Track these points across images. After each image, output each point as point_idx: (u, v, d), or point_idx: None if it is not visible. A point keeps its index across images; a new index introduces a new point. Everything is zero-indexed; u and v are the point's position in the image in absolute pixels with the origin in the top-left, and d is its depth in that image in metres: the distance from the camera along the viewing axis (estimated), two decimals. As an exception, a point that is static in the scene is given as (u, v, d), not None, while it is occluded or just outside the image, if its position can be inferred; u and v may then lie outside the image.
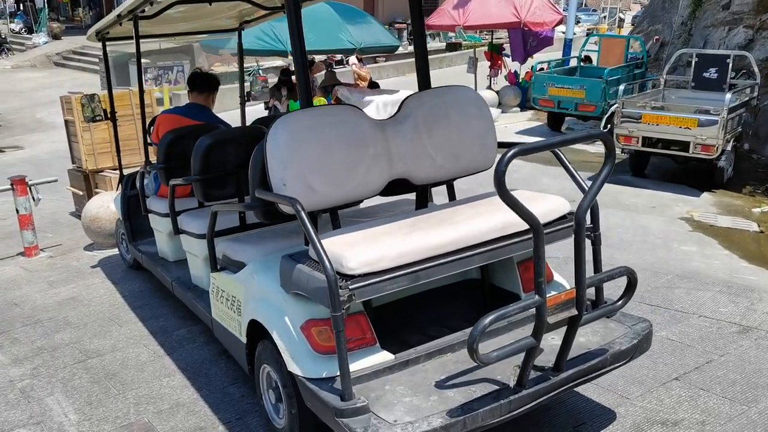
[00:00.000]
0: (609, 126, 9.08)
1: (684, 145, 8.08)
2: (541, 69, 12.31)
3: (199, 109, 5.32)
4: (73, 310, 5.41)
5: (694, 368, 3.98)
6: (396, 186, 3.50)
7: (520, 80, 14.11)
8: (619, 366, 3.08)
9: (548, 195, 3.45)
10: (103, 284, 6.05)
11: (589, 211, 3.14)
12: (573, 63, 13.36)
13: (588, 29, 29.08)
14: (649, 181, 8.92)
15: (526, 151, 2.36)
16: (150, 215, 5.37)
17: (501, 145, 3.79)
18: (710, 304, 4.92)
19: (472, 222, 3.04)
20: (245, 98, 6.84)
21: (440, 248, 2.87)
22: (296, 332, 2.94)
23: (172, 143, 4.79)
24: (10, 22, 29.41)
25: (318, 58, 18.58)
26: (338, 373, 2.70)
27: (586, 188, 3.28)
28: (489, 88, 14.49)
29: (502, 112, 13.55)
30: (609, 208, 7.69)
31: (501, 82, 14.76)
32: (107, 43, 6.28)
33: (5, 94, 20.05)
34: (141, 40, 5.27)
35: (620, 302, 2.88)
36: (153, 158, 5.48)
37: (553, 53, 15.19)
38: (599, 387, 3.75)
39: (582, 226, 2.63)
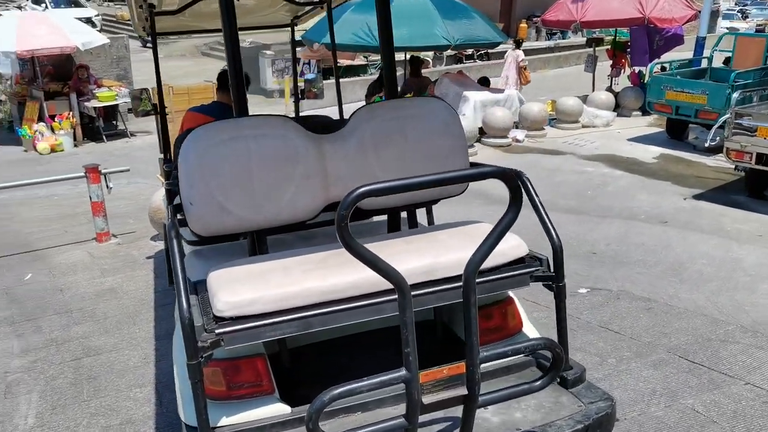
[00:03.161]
0: (717, 138, 7.96)
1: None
2: (664, 69, 11.12)
3: (224, 108, 5.21)
4: (104, 302, 5.56)
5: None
6: (331, 209, 3.11)
7: (645, 81, 12.86)
8: None
9: (508, 234, 2.87)
10: (146, 277, 6.18)
11: (553, 255, 2.65)
12: (704, 64, 11.94)
13: (758, 25, 26.05)
14: (766, 204, 7.73)
15: (375, 192, 1.90)
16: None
17: (475, 167, 3.28)
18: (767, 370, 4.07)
19: (396, 260, 2.58)
20: (299, 95, 6.67)
21: (337, 293, 2.47)
22: None
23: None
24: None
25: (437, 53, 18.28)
26: (222, 423, 2.43)
27: (551, 228, 2.77)
28: (609, 89, 13.37)
29: (619, 115, 12.45)
30: (704, 233, 6.74)
31: (624, 82, 13.56)
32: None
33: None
34: (197, 35, 5.22)
35: (538, 383, 2.34)
36: None
37: (685, 53, 13.70)
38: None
39: (470, 285, 2.13)
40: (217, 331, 2.31)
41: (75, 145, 13.99)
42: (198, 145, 2.79)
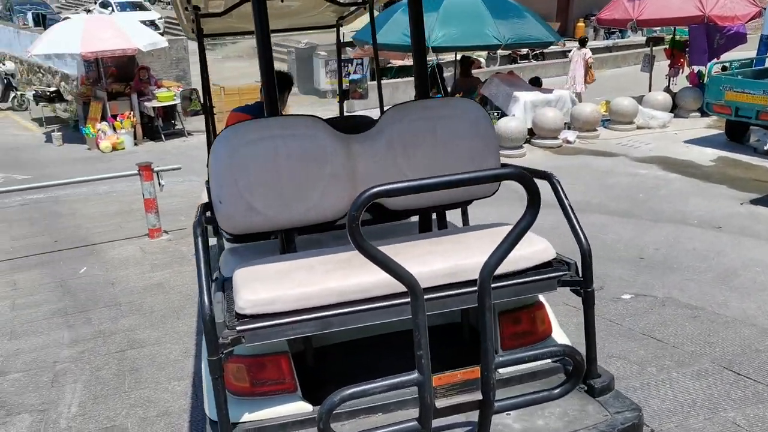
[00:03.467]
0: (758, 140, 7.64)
1: None
2: (725, 69, 10.73)
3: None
4: (151, 297, 5.73)
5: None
6: (372, 211, 3.13)
7: (704, 81, 12.44)
8: None
9: (535, 238, 2.83)
10: (193, 273, 6.33)
11: (582, 259, 2.59)
12: (768, 63, 11.47)
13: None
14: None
15: (386, 193, 1.91)
16: None
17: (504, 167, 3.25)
18: (819, 383, 3.89)
19: (416, 262, 2.58)
20: (344, 95, 6.73)
21: (358, 293, 2.49)
22: None
23: None
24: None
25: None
26: (244, 419, 2.48)
27: (579, 232, 2.70)
28: (667, 89, 12.98)
29: (676, 116, 12.08)
30: (760, 240, 6.50)
31: (682, 83, 13.15)
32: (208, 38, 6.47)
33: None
34: (253, 37, 5.31)
35: (557, 390, 2.29)
36: None
37: (748, 52, 13.16)
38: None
39: (486, 289, 2.10)
40: (238, 329, 2.36)
41: (135, 144, 14.46)
42: (228, 144, 2.84)
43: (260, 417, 2.54)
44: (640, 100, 12.23)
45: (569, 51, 23.71)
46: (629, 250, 6.37)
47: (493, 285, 2.57)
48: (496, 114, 10.75)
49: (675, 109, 12.36)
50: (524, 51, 21.85)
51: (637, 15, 11.51)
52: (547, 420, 2.60)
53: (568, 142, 10.74)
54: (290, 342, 2.79)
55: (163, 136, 14.75)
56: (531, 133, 10.74)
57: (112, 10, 26.96)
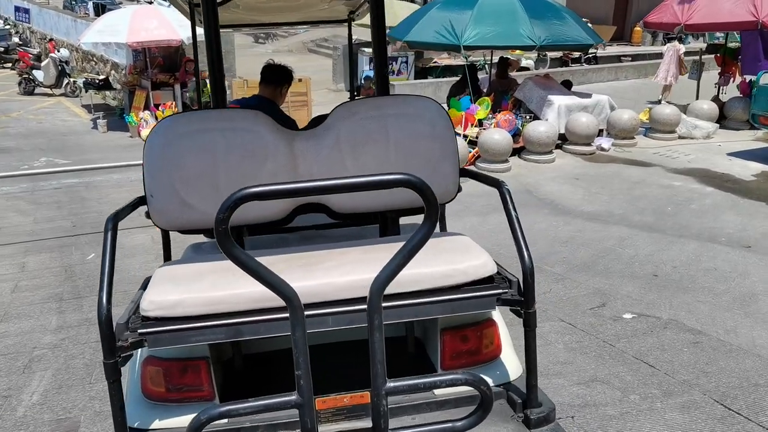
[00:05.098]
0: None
1: None
2: (777, 79, 10.13)
3: (264, 102, 5.18)
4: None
5: None
6: (313, 211, 2.96)
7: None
8: None
9: (477, 250, 2.60)
10: (194, 266, 6.32)
11: (523, 278, 2.38)
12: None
13: None
14: None
15: (256, 195, 1.75)
16: None
17: (465, 174, 3.05)
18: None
19: (336, 271, 2.41)
20: (355, 92, 6.60)
21: (269, 301, 2.33)
22: (138, 367, 2.66)
23: None
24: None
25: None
26: (154, 426, 2.38)
27: (523, 247, 2.48)
28: (715, 98, 12.37)
29: (723, 127, 11.50)
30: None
31: (733, 92, 12.51)
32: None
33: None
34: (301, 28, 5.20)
35: (460, 423, 2.09)
36: None
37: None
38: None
39: (375, 305, 1.90)
40: (139, 331, 2.25)
41: (174, 134, 14.65)
42: (164, 135, 2.74)
43: (172, 424, 2.44)
44: (684, 108, 11.69)
45: (624, 55, 23.09)
46: (644, 266, 6.04)
47: (417, 300, 2.41)
48: (528, 117, 10.44)
49: (722, 119, 11.76)
50: (576, 54, 21.27)
51: (685, 19, 10.98)
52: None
53: (603, 149, 10.34)
54: (214, 347, 2.68)
55: (202, 127, 14.91)
56: (564, 138, 10.38)
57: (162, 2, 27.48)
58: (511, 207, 2.55)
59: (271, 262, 2.58)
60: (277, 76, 5.21)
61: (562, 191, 8.52)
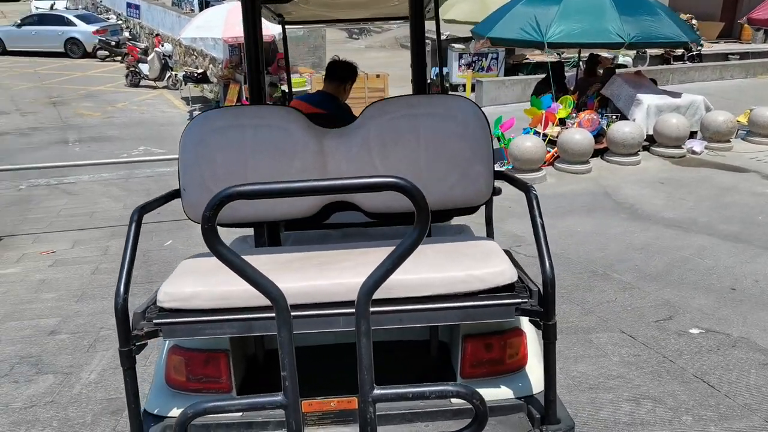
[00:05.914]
0: None
1: None
2: None
3: (327, 98, 5.22)
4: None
5: None
6: (344, 209, 2.96)
7: None
8: None
9: (498, 258, 2.51)
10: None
11: (543, 288, 2.28)
12: None
13: None
14: None
15: (240, 194, 1.76)
16: None
17: (499, 176, 2.96)
18: None
19: (349, 272, 2.40)
20: (427, 90, 6.54)
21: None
22: (164, 356, 2.76)
23: None
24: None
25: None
26: (172, 414, 2.48)
27: (545, 256, 2.38)
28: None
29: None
30: None
31: None
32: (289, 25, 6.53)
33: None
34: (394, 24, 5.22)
35: None
36: None
37: None
38: None
39: (362, 311, 1.87)
40: (155, 321, 2.33)
41: (263, 126, 15.13)
42: (197, 131, 2.82)
43: (190, 416, 2.51)
44: (791, 111, 10.88)
45: (732, 53, 21.68)
46: (722, 279, 5.67)
47: (427, 306, 2.37)
48: (614, 117, 10.02)
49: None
50: (679, 52, 20.22)
51: (795, 15, 10.22)
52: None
53: (694, 152, 9.77)
54: (236, 340, 2.74)
55: (289, 120, 15.30)
56: (651, 140, 9.89)
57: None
58: (537, 213, 2.46)
59: (288, 259, 2.62)
60: (341, 73, 5.25)
61: (643, 195, 8.12)
